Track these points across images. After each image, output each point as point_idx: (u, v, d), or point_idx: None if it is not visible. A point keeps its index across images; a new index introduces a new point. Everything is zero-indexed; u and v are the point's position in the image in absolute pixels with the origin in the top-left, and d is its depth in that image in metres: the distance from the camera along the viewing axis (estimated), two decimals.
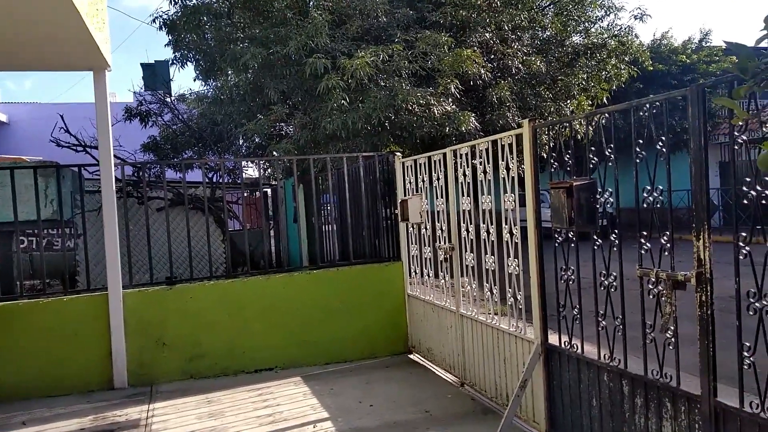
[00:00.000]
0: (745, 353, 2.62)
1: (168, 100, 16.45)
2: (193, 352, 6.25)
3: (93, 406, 5.46)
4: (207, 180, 13.30)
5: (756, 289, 2.55)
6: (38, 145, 14.36)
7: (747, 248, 2.63)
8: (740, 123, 2.67)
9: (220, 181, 12.42)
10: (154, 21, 12.73)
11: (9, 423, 5.12)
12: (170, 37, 13.12)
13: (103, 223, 6.20)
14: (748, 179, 2.62)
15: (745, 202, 2.64)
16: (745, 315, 2.64)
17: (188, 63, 13.69)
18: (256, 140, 13.87)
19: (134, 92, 18.97)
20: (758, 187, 2.58)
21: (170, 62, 14.08)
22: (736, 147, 2.73)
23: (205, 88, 15.74)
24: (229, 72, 13.06)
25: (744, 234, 2.65)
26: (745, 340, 2.64)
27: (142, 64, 21.11)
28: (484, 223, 4.85)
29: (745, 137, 2.68)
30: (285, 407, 5.15)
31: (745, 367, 2.63)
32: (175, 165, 13.77)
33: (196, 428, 4.78)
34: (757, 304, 2.55)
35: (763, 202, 2.58)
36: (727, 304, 2.93)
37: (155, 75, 19.59)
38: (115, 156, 6.49)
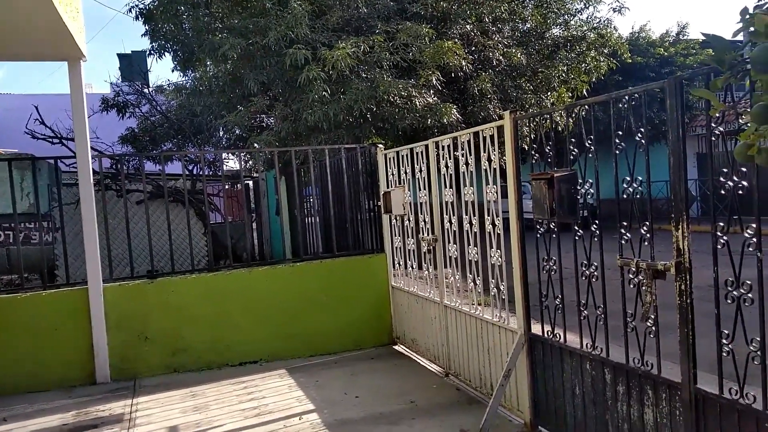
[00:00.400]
0: (724, 341, 2.69)
1: (146, 91, 16.20)
2: (176, 345, 6.20)
3: (75, 402, 5.40)
4: (187, 172, 13.16)
5: (734, 277, 2.61)
6: (12, 137, 14.05)
7: (725, 238, 2.69)
8: (717, 115, 2.72)
9: (201, 173, 12.30)
10: (130, 10, 12.49)
11: None
12: (147, 27, 12.89)
13: (81, 216, 6.10)
14: (725, 170, 2.68)
15: (723, 192, 2.70)
16: (723, 303, 2.70)
17: (166, 53, 13.46)
18: (237, 132, 13.74)
19: (111, 83, 18.65)
20: (735, 178, 2.64)
21: (147, 52, 13.83)
22: (713, 138, 2.78)
23: (183, 79, 15.53)
24: (208, 63, 12.89)
25: (722, 224, 2.71)
26: (724, 328, 2.70)
27: (118, 55, 20.79)
28: (466, 214, 4.88)
29: (722, 129, 2.73)
30: (270, 400, 5.16)
31: (724, 354, 2.69)
32: (154, 157, 13.59)
33: (180, 422, 4.76)
34: (735, 293, 2.61)
35: (740, 192, 2.63)
36: (706, 293, 3.00)
37: (132, 65, 19.28)
38: (92, 148, 6.38)
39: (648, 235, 3.13)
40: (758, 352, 2.51)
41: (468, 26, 11.47)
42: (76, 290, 6.01)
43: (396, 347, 6.71)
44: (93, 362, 5.93)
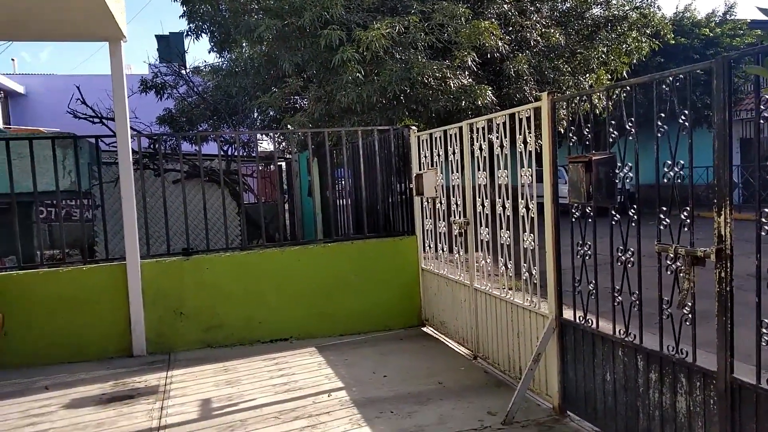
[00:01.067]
0: (764, 330, 2.61)
1: (183, 72, 16.42)
2: (210, 322, 6.35)
3: (113, 372, 5.59)
4: (222, 153, 13.34)
5: None
6: (55, 116, 14.47)
7: None
8: (767, 96, 2.61)
9: (235, 154, 12.45)
10: None
11: (32, 387, 5.27)
12: (184, 9, 13.03)
13: (120, 194, 6.26)
14: None
15: None
16: (764, 292, 2.62)
17: (203, 35, 13.60)
18: (271, 113, 13.84)
19: (149, 64, 18.94)
20: None
21: (185, 34, 14.00)
22: (761, 121, 2.67)
23: (219, 60, 15.67)
24: (244, 44, 12.98)
25: (767, 210, 2.61)
26: (764, 317, 2.62)
27: (156, 36, 21.07)
28: (499, 198, 4.82)
29: None
30: (300, 376, 5.24)
31: (763, 344, 2.61)
32: (190, 137, 13.82)
33: (213, 395, 4.89)
34: None
35: None
36: (744, 282, 2.91)
37: (170, 47, 19.55)
38: (131, 128, 6.52)
39: (688, 220, 3.04)
40: None
41: (505, 6, 11.25)
42: (114, 266, 6.19)
43: (425, 329, 6.72)
44: (130, 335, 6.12)
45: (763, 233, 2.62)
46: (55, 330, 5.99)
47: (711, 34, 20.71)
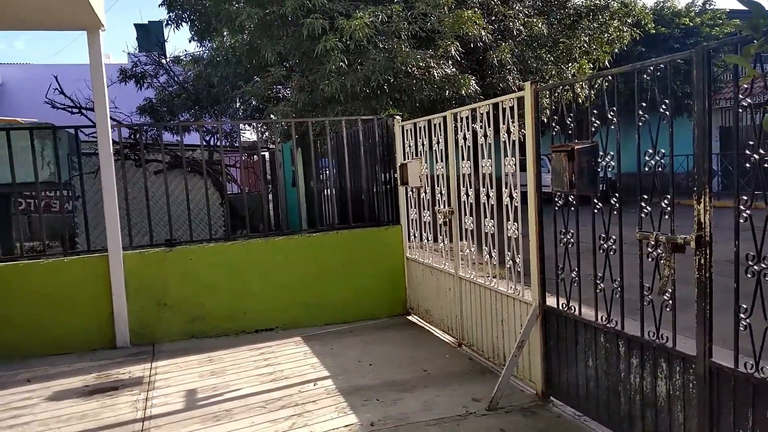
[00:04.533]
0: (742, 315, 2.67)
1: (163, 61, 16.19)
2: (195, 312, 6.32)
3: (96, 364, 5.55)
4: (204, 143, 13.20)
5: (755, 252, 2.58)
6: (32, 106, 14.17)
7: (748, 212, 2.65)
8: (745, 85, 2.65)
9: (218, 144, 12.34)
10: None
11: (14, 380, 5.21)
12: None
13: (101, 185, 6.18)
14: (750, 143, 2.62)
15: (747, 165, 2.64)
16: (742, 278, 2.68)
17: (183, 23, 13.43)
18: (253, 103, 13.73)
19: (129, 53, 18.64)
20: (761, 151, 2.58)
21: (165, 23, 13.80)
22: (740, 110, 2.71)
23: (200, 49, 15.49)
24: (225, 33, 12.83)
25: (745, 198, 2.66)
26: (742, 303, 2.68)
27: (135, 25, 20.73)
28: (483, 187, 4.85)
29: (749, 100, 2.66)
30: (286, 366, 5.25)
31: (741, 329, 2.67)
32: (172, 127, 13.66)
33: (198, 386, 4.87)
34: (755, 267, 2.58)
35: (766, 165, 2.58)
36: (723, 268, 2.97)
37: (149, 36, 19.24)
38: (111, 118, 6.42)
39: (668, 208, 3.09)
40: None
41: None
42: (96, 257, 6.12)
43: (410, 318, 6.76)
44: (113, 327, 6.07)
45: (741, 220, 2.67)
46: (37, 322, 5.91)
47: (691, 24, 20.93)
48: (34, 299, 5.91)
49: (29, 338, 5.88)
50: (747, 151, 2.63)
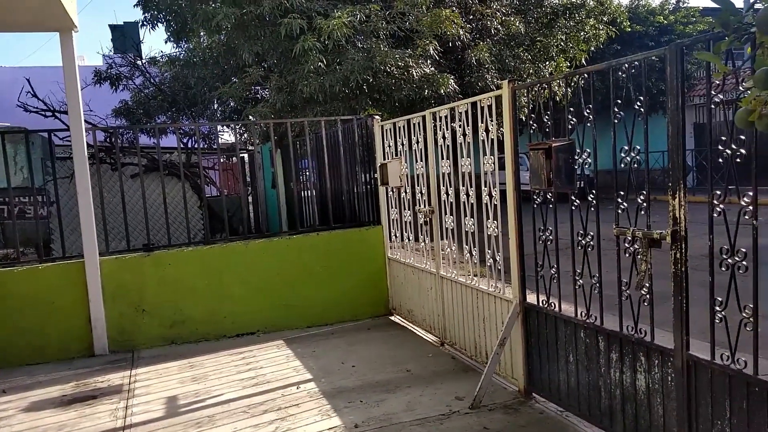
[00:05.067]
0: (717, 308, 2.71)
1: (138, 63, 15.97)
2: (174, 318, 6.24)
3: (74, 373, 5.45)
4: (182, 145, 13.06)
5: (729, 245, 2.62)
6: (4, 110, 13.88)
7: (721, 206, 2.69)
8: (718, 81, 2.69)
9: (196, 146, 12.21)
10: None
11: None
12: None
13: (76, 190, 6.06)
14: (723, 138, 2.66)
15: (720, 161, 2.68)
16: (717, 272, 2.71)
17: (159, 24, 13.27)
18: (231, 104, 13.62)
19: (103, 55, 18.36)
20: (733, 146, 2.62)
21: (140, 24, 13.62)
22: (712, 106, 2.75)
23: (176, 50, 15.30)
24: (202, 33, 12.69)
25: (719, 192, 2.70)
26: (717, 296, 2.71)
27: (110, 26, 20.40)
28: (463, 186, 4.86)
29: (721, 96, 2.70)
30: (268, 370, 5.21)
31: (717, 321, 2.71)
32: (148, 130, 13.48)
33: (179, 392, 4.81)
34: (729, 260, 2.62)
35: (738, 161, 2.62)
36: (699, 263, 3.02)
37: (124, 37, 18.94)
38: (86, 121, 6.31)
39: (645, 204, 3.12)
40: (750, 319, 2.53)
41: None
42: (72, 263, 6.01)
43: (392, 318, 6.76)
44: (91, 334, 5.96)
45: (715, 215, 2.71)
46: (12, 331, 5.78)
47: (665, 22, 21.26)
48: (9, 308, 5.78)
49: (4, 347, 5.75)
50: (720, 147, 2.67)
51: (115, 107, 15.12)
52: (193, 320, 6.29)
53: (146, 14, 13.05)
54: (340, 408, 4.26)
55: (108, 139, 9.69)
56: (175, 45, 14.81)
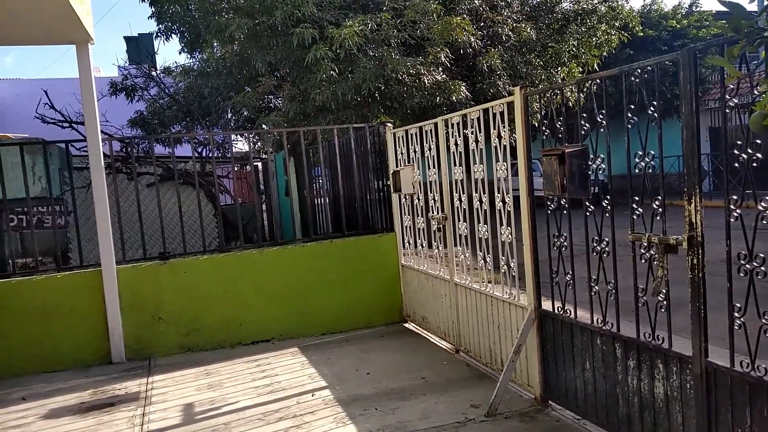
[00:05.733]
0: (736, 314, 2.68)
1: (153, 74, 16.18)
2: (190, 325, 6.28)
3: (92, 381, 5.50)
4: (196, 154, 13.18)
5: (747, 251, 2.59)
6: (22, 121, 14.11)
7: (738, 211, 2.66)
8: (732, 85, 2.68)
9: (210, 155, 12.32)
10: None
11: (8, 398, 5.16)
12: (153, 9, 12.85)
13: (93, 199, 6.15)
14: (739, 143, 2.64)
15: (736, 165, 2.66)
16: (735, 277, 2.69)
17: (173, 35, 13.43)
18: (245, 113, 13.74)
19: (119, 66, 18.62)
20: (749, 150, 2.60)
21: (154, 35, 13.80)
22: (727, 110, 2.73)
23: (190, 60, 15.49)
24: (215, 44, 12.85)
25: (735, 197, 2.68)
26: (735, 302, 2.69)
27: (125, 38, 20.72)
28: (476, 192, 4.86)
29: (736, 101, 2.68)
30: (283, 377, 5.22)
31: (736, 327, 2.68)
32: (163, 140, 13.63)
33: (195, 399, 4.84)
34: (747, 266, 2.59)
35: (754, 165, 2.60)
36: (717, 268, 2.98)
37: (139, 48, 19.23)
38: (102, 132, 6.41)
39: (660, 209, 3.10)
40: None
41: (476, 1, 11.31)
42: (89, 272, 6.09)
43: (406, 325, 6.75)
44: (108, 342, 6.02)
45: (732, 220, 2.69)
46: (31, 339, 5.86)
47: (678, 26, 21.11)
48: (27, 316, 5.86)
49: (23, 356, 5.83)
50: (735, 151, 2.65)
51: (131, 117, 15.32)
52: (209, 328, 6.33)
53: (160, 26, 13.22)
54: (355, 416, 4.26)
55: (124, 149, 9.81)
56: (189, 56, 14.99)
